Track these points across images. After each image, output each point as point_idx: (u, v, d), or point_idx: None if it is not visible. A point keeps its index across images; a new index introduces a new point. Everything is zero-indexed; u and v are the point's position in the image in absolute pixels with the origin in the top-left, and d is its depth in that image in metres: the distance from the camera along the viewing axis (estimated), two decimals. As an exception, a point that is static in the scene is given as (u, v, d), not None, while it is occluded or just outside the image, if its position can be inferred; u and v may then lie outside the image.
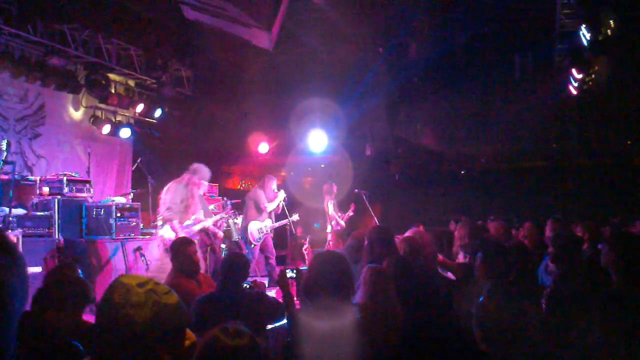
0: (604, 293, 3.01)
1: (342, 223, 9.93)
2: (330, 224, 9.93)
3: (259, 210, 8.52)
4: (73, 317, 2.88)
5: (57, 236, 6.78)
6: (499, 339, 3.05)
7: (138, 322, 1.46)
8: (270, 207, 8.49)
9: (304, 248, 8.43)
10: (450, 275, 4.81)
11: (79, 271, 3.09)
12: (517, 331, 2.99)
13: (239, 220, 9.37)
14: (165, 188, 7.10)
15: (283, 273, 3.59)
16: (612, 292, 2.96)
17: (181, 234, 6.40)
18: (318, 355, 2.70)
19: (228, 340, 1.91)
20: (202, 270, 5.16)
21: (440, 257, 5.01)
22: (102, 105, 10.15)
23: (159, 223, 7.24)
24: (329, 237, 9.75)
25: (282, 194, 8.52)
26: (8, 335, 0.98)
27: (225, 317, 3.39)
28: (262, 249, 8.47)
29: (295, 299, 3.60)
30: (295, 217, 9.00)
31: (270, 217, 8.61)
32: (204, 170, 7.23)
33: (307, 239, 9.41)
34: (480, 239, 4.49)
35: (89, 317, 2.92)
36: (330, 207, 9.98)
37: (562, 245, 3.71)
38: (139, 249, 7.15)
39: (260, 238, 8.38)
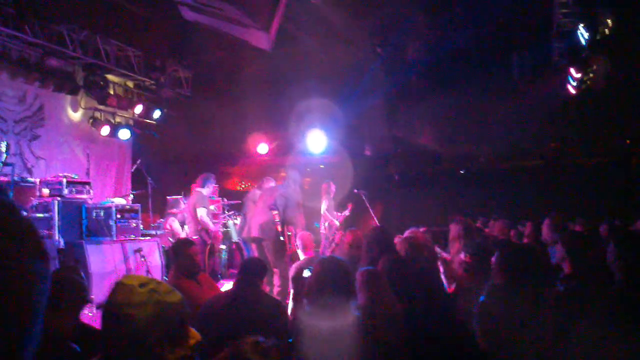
0: (607, 292, 3.01)
1: (337, 223, 9.88)
2: (323, 224, 9.88)
3: None
4: (70, 319, 2.86)
5: (57, 238, 6.77)
6: (500, 338, 3.05)
7: (139, 321, 1.49)
8: None
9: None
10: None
11: (82, 274, 3.06)
12: (517, 330, 2.99)
13: (239, 221, 9.35)
14: (281, 190, 7.67)
15: (299, 271, 3.54)
16: (615, 291, 2.95)
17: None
18: (319, 355, 2.70)
19: (255, 356, 1.84)
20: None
21: (441, 252, 5.00)
22: (101, 107, 10.14)
23: (283, 229, 7.48)
24: (322, 237, 9.72)
25: None
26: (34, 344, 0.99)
27: (239, 317, 3.40)
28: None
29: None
30: None
31: None
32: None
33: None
34: (482, 238, 4.48)
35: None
36: (323, 207, 9.93)
37: (571, 244, 3.68)
38: (139, 250, 7.13)
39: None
